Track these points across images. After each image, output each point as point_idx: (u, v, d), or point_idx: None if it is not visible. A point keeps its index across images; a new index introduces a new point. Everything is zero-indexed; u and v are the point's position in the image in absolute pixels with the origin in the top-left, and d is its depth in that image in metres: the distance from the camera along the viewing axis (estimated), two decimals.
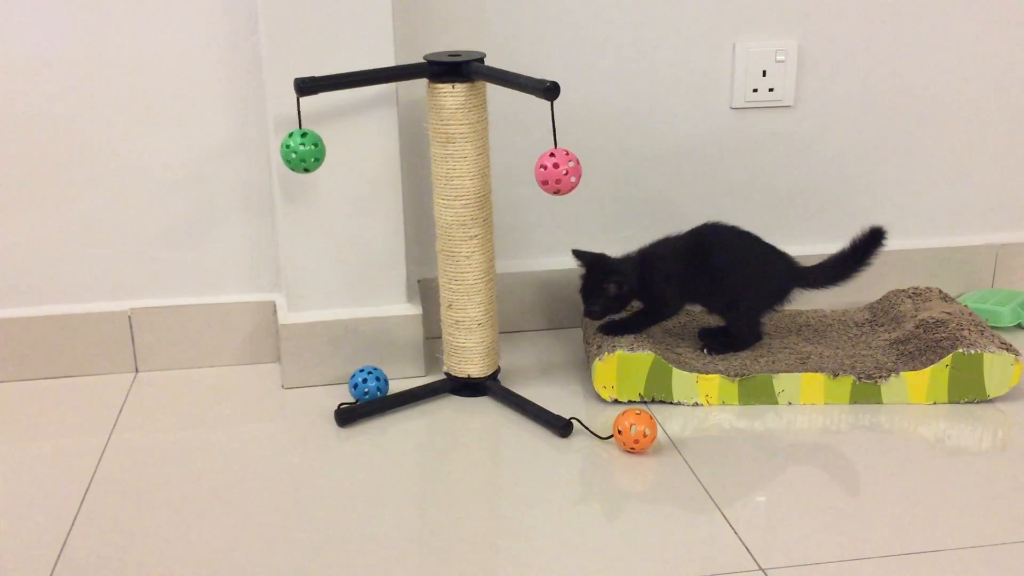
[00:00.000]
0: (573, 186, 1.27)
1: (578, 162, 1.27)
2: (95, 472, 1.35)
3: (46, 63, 1.50)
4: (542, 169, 1.27)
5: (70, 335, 1.59)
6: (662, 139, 1.72)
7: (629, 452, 1.36)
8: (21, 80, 1.50)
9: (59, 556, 1.17)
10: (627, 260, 1.54)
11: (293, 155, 1.33)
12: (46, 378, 1.61)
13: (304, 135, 1.34)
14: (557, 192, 1.27)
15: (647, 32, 1.66)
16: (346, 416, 1.45)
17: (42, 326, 1.58)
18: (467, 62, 1.39)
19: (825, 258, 1.59)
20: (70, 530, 1.22)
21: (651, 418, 1.36)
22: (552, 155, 1.26)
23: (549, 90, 1.27)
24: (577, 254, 1.55)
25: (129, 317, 1.61)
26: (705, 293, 1.55)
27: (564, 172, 1.26)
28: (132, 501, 1.28)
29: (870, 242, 1.57)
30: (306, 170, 1.35)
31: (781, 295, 1.57)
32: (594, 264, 1.53)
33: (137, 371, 1.63)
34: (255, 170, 1.59)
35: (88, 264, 1.60)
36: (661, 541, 1.18)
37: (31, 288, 1.59)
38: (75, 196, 1.56)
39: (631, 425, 1.34)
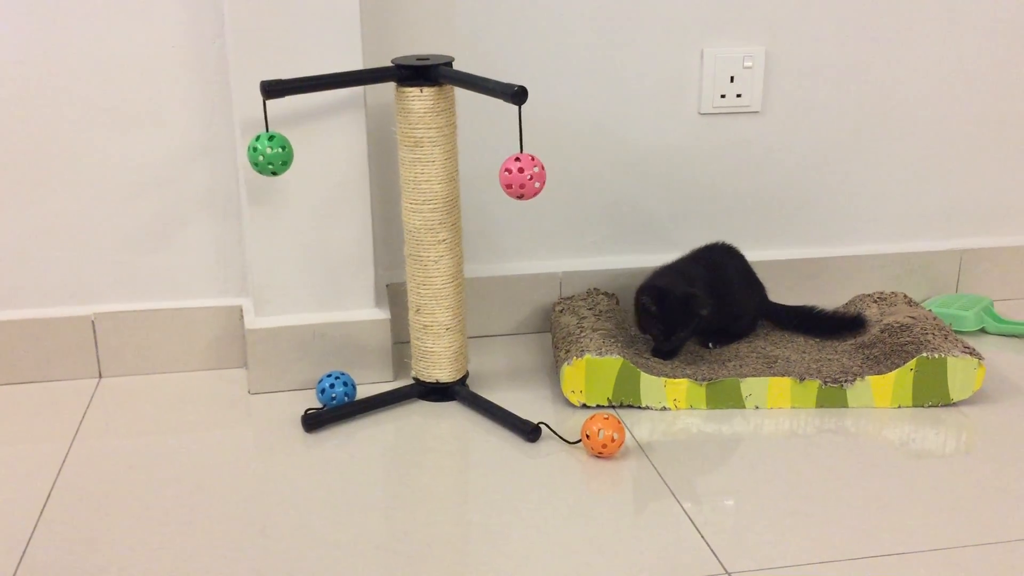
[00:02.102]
0: (537, 191, 1.27)
1: (543, 168, 1.27)
2: (57, 478, 1.33)
3: (8, 64, 1.48)
4: (507, 173, 1.27)
5: (33, 340, 1.57)
6: (630, 144, 1.73)
7: (597, 456, 1.36)
8: None
9: (19, 563, 1.15)
10: (691, 286, 1.54)
11: (260, 158, 1.32)
12: (8, 383, 1.58)
13: (271, 138, 1.33)
14: (520, 197, 1.27)
15: (616, 38, 1.67)
16: (313, 421, 1.44)
17: (4, 331, 1.56)
18: (435, 66, 1.39)
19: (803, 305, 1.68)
20: (31, 537, 1.20)
21: (619, 422, 1.36)
22: (518, 159, 1.26)
23: (517, 94, 1.27)
24: (647, 291, 1.52)
25: (93, 322, 1.59)
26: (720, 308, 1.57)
27: (528, 177, 1.26)
28: (95, 508, 1.26)
29: (848, 324, 1.63)
30: (274, 173, 1.34)
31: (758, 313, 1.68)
32: (664, 297, 1.51)
33: (101, 376, 1.61)
34: (221, 173, 1.58)
35: (51, 268, 1.58)
36: (628, 545, 1.18)
37: None
38: (39, 199, 1.54)
39: (599, 429, 1.34)
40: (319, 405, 1.50)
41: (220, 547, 1.19)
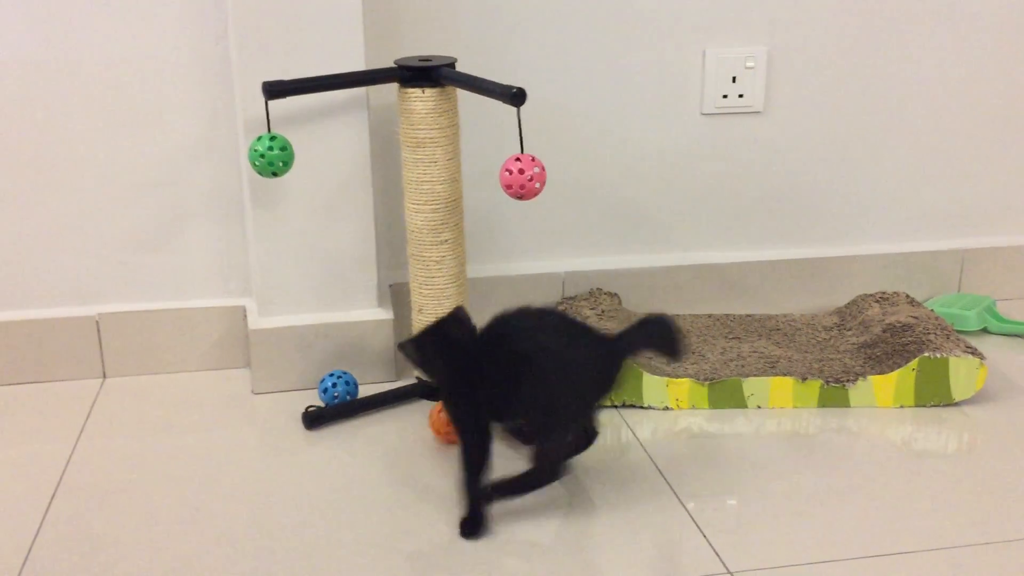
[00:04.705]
0: (537, 192, 1.27)
1: (543, 169, 1.27)
2: (61, 478, 1.33)
3: (12, 67, 1.48)
4: (507, 174, 1.27)
5: (38, 340, 1.58)
6: (633, 145, 1.73)
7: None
8: None
9: (24, 563, 1.16)
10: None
11: (261, 159, 1.33)
12: (13, 384, 1.59)
13: (272, 139, 1.33)
14: (520, 197, 1.27)
15: (618, 38, 1.67)
16: (313, 419, 1.45)
17: (9, 331, 1.56)
18: (436, 67, 1.39)
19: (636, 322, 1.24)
20: (35, 537, 1.21)
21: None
22: (518, 160, 1.26)
23: (516, 96, 1.27)
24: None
25: (97, 322, 1.59)
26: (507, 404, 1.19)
27: (528, 178, 1.26)
28: (99, 508, 1.27)
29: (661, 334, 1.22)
30: (274, 174, 1.34)
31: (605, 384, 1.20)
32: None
33: (105, 376, 1.62)
34: (225, 174, 1.58)
35: (56, 269, 1.58)
36: (630, 544, 1.19)
37: None
38: (44, 200, 1.55)
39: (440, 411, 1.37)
40: (320, 404, 1.50)
41: (223, 546, 1.19)
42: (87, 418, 1.49)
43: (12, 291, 1.58)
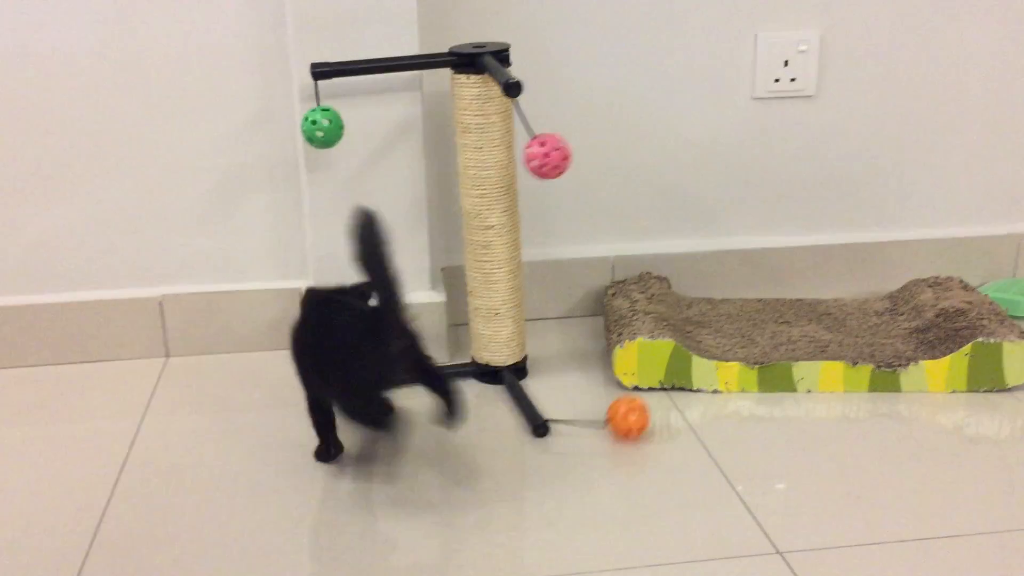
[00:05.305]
0: (559, 168, 1.27)
1: (561, 148, 1.26)
2: (128, 454, 1.38)
3: (78, 55, 1.53)
4: (530, 150, 1.27)
5: (103, 320, 1.63)
6: (684, 129, 1.73)
7: (624, 437, 1.37)
8: (54, 72, 1.53)
9: (94, 536, 1.21)
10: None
11: (317, 131, 1.41)
12: (80, 362, 1.64)
13: (325, 110, 1.41)
14: (544, 175, 1.28)
15: (669, 22, 1.67)
16: None
17: (76, 312, 1.62)
18: (462, 53, 1.41)
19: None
20: (104, 511, 1.25)
21: (643, 407, 1.36)
22: (543, 144, 1.26)
23: (510, 87, 1.28)
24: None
25: (160, 303, 1.64)
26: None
27: (553, 161, 1.27)
28: (164, 483, 1.31)
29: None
30: (318, 143, 1.43)
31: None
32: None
33: (168, 356, 1.67)
34: (282, 159, 1.62)
35: (120, 251, 1.63)
36: (680, 525, 1.20)
37: (65, 274, 1.63)
38: (108, 185, 1.60)
39: (627, 413, 1.36)
40: None
41: (282, 520, 1.23)
42: (151, 396, 1.54)
43: (79, 273, 1.63)
